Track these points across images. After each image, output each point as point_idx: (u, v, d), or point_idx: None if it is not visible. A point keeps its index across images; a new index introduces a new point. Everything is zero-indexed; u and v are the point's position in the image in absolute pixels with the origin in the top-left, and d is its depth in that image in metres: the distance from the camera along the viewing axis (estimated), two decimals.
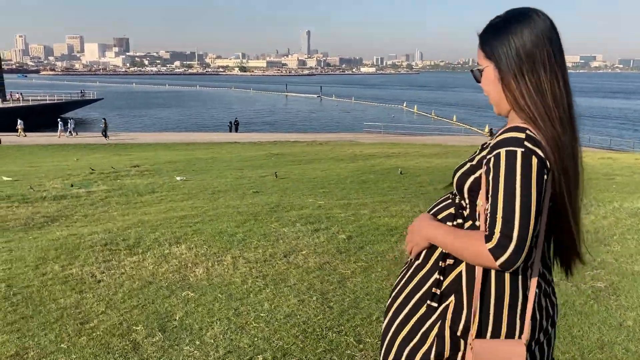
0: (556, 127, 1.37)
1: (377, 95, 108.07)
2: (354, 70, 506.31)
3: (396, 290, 1.60)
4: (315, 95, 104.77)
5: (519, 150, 1.33)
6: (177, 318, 3.60)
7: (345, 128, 51.97)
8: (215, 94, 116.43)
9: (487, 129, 46.68)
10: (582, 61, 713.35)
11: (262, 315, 3.63)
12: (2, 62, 71.19)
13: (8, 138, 35.49)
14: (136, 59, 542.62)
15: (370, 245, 5.41)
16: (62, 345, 3.19)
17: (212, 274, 4.58)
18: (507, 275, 1.42)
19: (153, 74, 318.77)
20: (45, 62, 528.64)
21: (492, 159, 1.36)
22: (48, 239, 6.06)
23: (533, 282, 1.43)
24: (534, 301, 1.44)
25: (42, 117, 52.15)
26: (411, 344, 1.50)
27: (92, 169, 15.55)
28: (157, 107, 79.77)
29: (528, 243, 1.31)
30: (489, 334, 1.42)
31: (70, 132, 39.40)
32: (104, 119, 39.91)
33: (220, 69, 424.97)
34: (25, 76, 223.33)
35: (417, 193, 9.61)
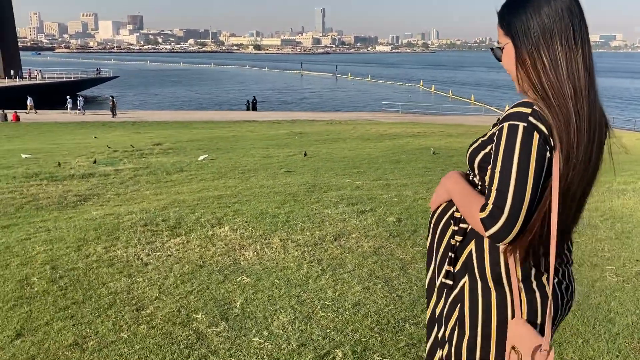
0: (568, 106, 1.32)
1: (393, 75, 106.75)
2: (369, 48, 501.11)
3: (430, 274, 1.62)
4: (331, 74, 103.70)
5: (521, 125, 1.31)
6: (238, 305, 3.38)
7: (362, 107, 51.37)
8: (229, 72, 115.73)
9: (507, 108, 45.79)
10: (602, 40, 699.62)
11: (327, 303, 3.40)
12: (17, 40, 71.24)
13: (26, 115, 35.54)
14: (150, 36, 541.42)
15: (423, 228, 5.14)
16: (122, 335, 2.99)
17: (263, 257, 4.36)
18: (534, 265, 1.41)
19: (167, 52, 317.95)
20: (59, 39, 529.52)
21: (497, 132, 1.36)
22: (85, 218, 5.88)
23: (552, 263, 1.39)
24: (554, 284, 1.42)
25: (59, 95, 52.16)
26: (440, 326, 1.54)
27: (109, 147, 15.42)
28: (172, 85, 79.42)
29: (521, 218, 1.29)
30: (524, 315, 1.40)
31: (79, 109, 39.23)
32: (112, 96, 39.63)
33: (234, 47, 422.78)
34: (39, 53, 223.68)
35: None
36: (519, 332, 1.38)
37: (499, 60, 1.48)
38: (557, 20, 1.34)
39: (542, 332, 1.39)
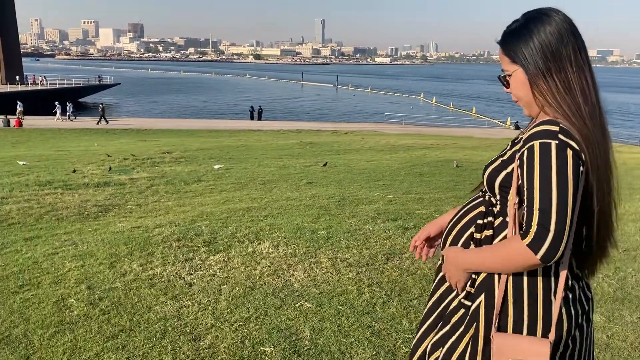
0: (587, 123, 1.34)
1: (393, 86, 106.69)
2: (368, 60, 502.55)
3: (437, 297, 1.60)
4: (331, 85, 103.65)
5: (553, 142, 1.31)
6: (307, 336, 3.03)
7: (364, 118, 51.16)
8: (230, 81, 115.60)
9: (509, 122, 45.83)
10: (600, 55, 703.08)
11: (407, 336, 3.05)
12: (20, 46, 71.02)
13: (35, 121, 35.18)
14: (150, 45, 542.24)
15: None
16: None
17: (316, 278, 4.01)
18: (537, 271, 1.41)
19: (167, 60, 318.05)
20: (60, 46, 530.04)
21: (526, 152, 1.34)
22: (111, 231, 5.53)
23: (562, 278, 1.40)
24: (562, 297, 1.40)
25: (60, 101, 51.81)
26: (447, 345, 1.51)
27: (108, 155, 15.09)
28: (173, 94, 79.16)
29: (566, 235, 1.28)
30: (510, 329, 1.41)
31: (69, 116, 38.73)
32: (102, 103, 39.05)
33: (235, 57, 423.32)
34: (38, 60, 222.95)
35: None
36: (521, 346, 1.38)
37: (506, 87, 1.49)
38: (564, 43, 1.38)
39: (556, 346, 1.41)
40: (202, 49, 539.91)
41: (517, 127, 41.04)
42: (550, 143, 1.31)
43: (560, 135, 1.32)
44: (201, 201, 7.63)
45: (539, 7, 1.45)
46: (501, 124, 46.71)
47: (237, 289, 3.77)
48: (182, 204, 7.43)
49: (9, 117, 33.47)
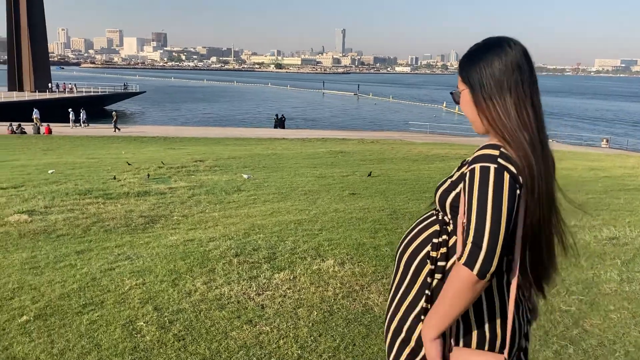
0: (525, 148, 1.42)
1: (415, 95, 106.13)
2: (388, 69, 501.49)
3: (393, 312, 1.61)
4: (352, 94, 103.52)
5: (492, 166, 1.39)
6: None
7: (388, 127, 50.82)
8: (252, 90, 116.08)
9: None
10: (623, 65, 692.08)
11: None
12: (48, 55, 72.20)
13: (59, 129, 35.54)
14: (173, 53, 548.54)
15: (566, 270, 4.47)
16: None
17: None
18: (488, 289, 1.48)
19: (190, 69, 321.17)
20: (85, 55, 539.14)
21: (468, 174, 1.42)
22: (164, 244, 5.31)
23: (512, 297, 1.46)
24: (514, 315, 1.47)
25: (87, 109, 52.45)
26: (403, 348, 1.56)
27: (129, 163, 15.03)
28: (196, 102, 79.70)
29: (498, 251, 1.36)
30: (464, 344, 1.47)
31: (82, 122, 38.86)
32: (115, 111, 39.03)
33: (256, 66, 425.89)
34: (62, 68, 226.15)
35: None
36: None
37: (457, 103, 1.59)
38: (508, 74, 1.46)
39: None
40: (224, 58, 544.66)
41: None
42: (490, 167, 1.39)
43: (499, 160, 1.40)
44: (247, 212, 7.39)
45: (499, 36, 1.54)
46: None
47: (315, 313, 3.50)
48: (229, 215, 7.20)
49: (39, 124, 33.84)
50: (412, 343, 1.52)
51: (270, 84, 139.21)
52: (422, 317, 1.50)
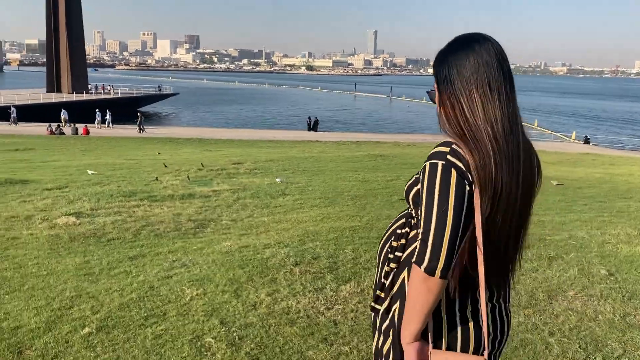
0: (486, 146, 1.39)
1: None
2: (421, 71, 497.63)
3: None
4: (385, 96, 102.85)
5: (440, 163, 1.38)
6: None
7: (422, 129, 50.20)
8: (283, 92, 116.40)
9: (574, 136, 43.88)
10: None
11: None
12: (86, 57, 73.69)
13: (91, 129, 36.09)
14: (206, 55, 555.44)
15: None
16: None
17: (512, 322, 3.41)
18: (461, 288, 1.45)
19: (222, 71, 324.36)
20: (120, 57, 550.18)
21: (421, 171, 1.43)
22: (218, 251, 5.11)
23: (482, 296, 1.43)
24: (490, 315, 1.47)
25: (121, 110, 53.27)
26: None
27: (165, 165, 14.96)
28: (229, 104, 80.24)
29: (444, 250, 1.34)
30: (444, 346, 1.45)
31: (108, 123, 39.23)
32: (139, 112, 39.15)
33: (287, 68, 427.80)
34: (97, 70, 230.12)
35: (611, 209, 8.10)
36: None
37: (434, 102, 1.57)
38: (474, 72, 1.44)
39: None
40: (255, 60, 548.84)
41: (586, 141, 39.16)
42: (438, 163, 1.38)
43: (448, 156, 1.39)
44: (297, 217, 7.16)
45: (470, 33, 1.51)
46: (565, 137, 44.78)
47: None
48: (279, 220, 6.97)
49: (77, 125, 34.42)
50: (376, 334, 1.57)
51: (300, 86, 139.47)
52: (372, 303, 1.56)
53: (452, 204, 1.35)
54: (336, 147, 27.99)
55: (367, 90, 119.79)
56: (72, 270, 4.46)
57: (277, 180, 11.45)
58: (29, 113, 42.30)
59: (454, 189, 1.36)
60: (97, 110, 39.45)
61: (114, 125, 39.71)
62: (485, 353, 1.44)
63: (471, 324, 1.45)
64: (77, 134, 33.44)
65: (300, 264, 4.58)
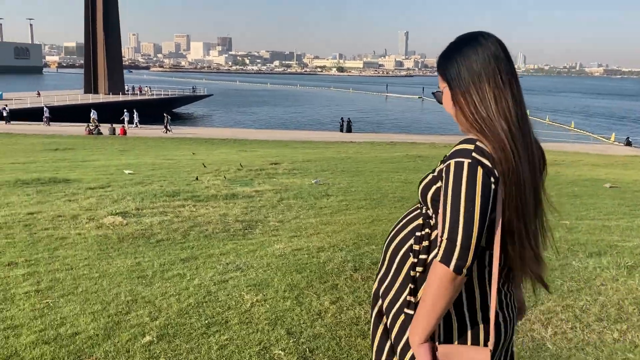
0: (502, 138, 1.40)
1: None
2: None
3: (376, 303, 1.62)
4: (416, 97, 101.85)
5: (466, 161, 1.38)
6: None
7: (455, 130, 49.24)
8: (315, 94, 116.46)
9: (613, 137, 42.54)
10: None
11: None
12: (122, 60, 74.97)
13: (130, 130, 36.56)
14: (238, 57, 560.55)
15: None
16: None
17: (567, 336, 3.12)
18: (469, 284, 1.46)
19: (254, 73, 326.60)
20: (154, 59, 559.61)
21: (444, 169, 1.42)
22: (271, 254, 4.90)
23: (493, 291, 1.44)
24: (497, 309, 1.46)
25: (156, 110, 53.93)
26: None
27: (204, 165, 14.87)
28: (261, 105, 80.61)
29: (473, 246, 1.35)
30: (455, 340, 1.45)
31: (136, 123, 39.48)
32: (166, 114, 39.10)
33: (318, 69, 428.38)
34: (131, 72, 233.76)
35: None
36: (469, 355, 1.42)
37: (440, 103, 1.58)
38: (485, 65, 1.45)
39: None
40: (286, 62, 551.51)
41: (628, 143, 37.87)
42: (464, 162, 1.37)
43: (474, 154, 1.38)
44: (345, 220, 6.91)
45: (472, 31, 1.53)
46: (603, 139, 43.42)
47: None
48: (327, 222, 6.74)
49: (114, 125, 34.92)
50: (392, 337, 1.53)
51: (332, 88, 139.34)
52: (405, 310, 1.50)
53: (479, 203, 1.35)
54: (371, 148, 27.69)
55: (398, 92, 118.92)
56: (124, 273, 4.31)
57: (314, 181, 11.19)
58: (66, 113, 43.19)
59: (481, 187, 1.36)
60: (125, 110, 39.79)
61: (141, 126, 40.04)
62: (490, 344, 1.43)
63: (479, 316, 1.45)
64: (114, 134, 33.91)
65: (360, 269, 4.34)
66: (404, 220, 1.63)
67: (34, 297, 3.68)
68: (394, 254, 1.58)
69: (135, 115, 39.64)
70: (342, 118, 46.11)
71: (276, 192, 9.35)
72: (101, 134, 33.86)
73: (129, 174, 12.97)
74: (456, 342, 1.45)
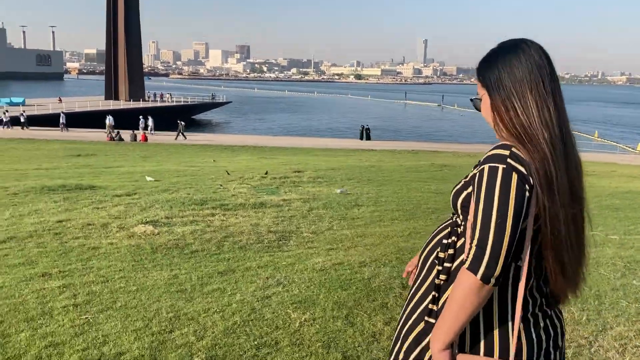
0: (542, 147, 1.37)
1: None
2: (472, 79, 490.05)
3: (403, 312, 1.59)
4: (436, 104, 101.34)
5: (501, 167, 1.36)
6: None
7: (477, 139, 48.85)
8: (333, 101, 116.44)
9: (639, 147, 41.77)
10: None
11: None
12: (142, 67, 75.66)
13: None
14: (256, 65, 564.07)
15: None
16: None
17: None
18: (493, 295, 1.41)
19: (271, 80, 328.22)
20: (173, 66, 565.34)
21: (477, 174, 1.40)
22: (312, 268, 4.70)
23: (519, 303, 1.40)
24: (521, 321, 1.41)
25: (175, 117, 54.17)
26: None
27: (228, 172, 14.74)
28: (279, 112, 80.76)
29: (503, 255, 1.31)
30: (482, 351, 1.41)
31: (150, 130, 39.38)
32: (179, 121, 39.13)
33: (335, 77, 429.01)
34: (150, 79, 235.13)
35: None
36: None
37: (478, 110, 1.56)
38: (527, 73, 1.43)
39: None
40: (304, 70, 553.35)
41: None
42: (498, 167, 1.35)
43: (509, 160, 1.36)
44: (382, 232, 6.70)
45: (514, 38, 1.51)
46: (630, 149, 42.65)
47: None
48: (362, 234, 6.53)
49: (135, 132, 35.12)
50: (405, 345, 1.50)
51: (350, 95, 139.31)
52: (426, 317, 1.48)
53: (512, 209, 1.32)
54: (392, 156, 27.45)
55: (417, 99, 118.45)
56: (162, 286, 4.14)
57: (338, 191, 10.93)
58: (87, 119, 43.58)
59: (514, 193, 1.33)
60: (140, 117, 39.89)
61: (160, 132, 40.10)
62: (511, 357, 1.39)
63: (510, 331, 1.40)
64: (135, 140, 34.09)
65: (408, 286, 4.12)
66: (438, 229, 1.62)
67: (72, 311, 3.52)
68: (424, 262, 1.58)
69: (150, 121, 39.73)
70: (362, 126, 45.90)
71: (304, 202, 9.16)
72: (122, 140, 34.07)
73: (150, 180, 12.90)
74: (468, 351, 1.42)
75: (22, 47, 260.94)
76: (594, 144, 45.58)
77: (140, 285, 4.17)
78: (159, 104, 60.19)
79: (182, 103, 62.48)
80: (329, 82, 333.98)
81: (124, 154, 25.55)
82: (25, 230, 6.32)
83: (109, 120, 39.04)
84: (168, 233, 6.19)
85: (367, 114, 77.65)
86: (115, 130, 35.30)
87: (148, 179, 13.27)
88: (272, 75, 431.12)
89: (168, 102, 62.57)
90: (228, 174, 14.73)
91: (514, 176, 1.34)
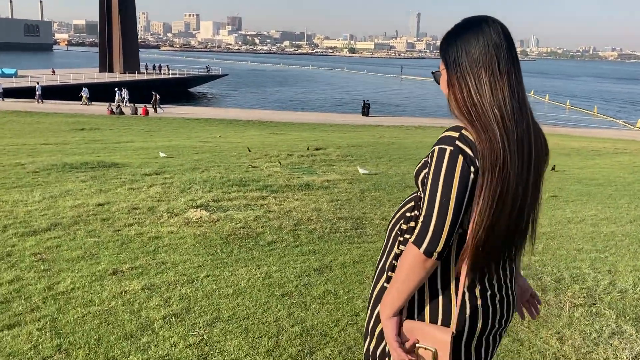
0: (493, 128, 1.37)
1: None
2: None
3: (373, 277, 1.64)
4: (432, 79, 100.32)
5: (449, 149, 1.38)
6: None
7: None
8: (328, 75, 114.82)
9: (639, 124, 41.43)
10: None
11: None
12: (137, 38, 73.78)
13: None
14: (248, 37, 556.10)
15: None
16: None
17: None
18: (439, 267, 1.46)
19: (264, 53, 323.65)
20: (164, 38, 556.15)
21: (430, 155, 1.43)
22: None
23: (462, 273, 1.43)
24: (468, 293, 1.45)
25: (175, 90, 53.09)
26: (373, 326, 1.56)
27: (249, 149, 14.12)
28: (276, 85, 79.47)
29: (445, 235, 1.35)
30: (427, 318, 1.46)
31: (126, 102, 37.35)
32: (154, 92, 37.83)
33: (329, 50, 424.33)
34: (140, 50, 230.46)
35: None
36: (431, 333, 1.41)
37: (438, 83, 1.57)
38: (483, 53, 1.42)
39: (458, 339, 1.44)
40: (297, 42, 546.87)
41: None
42: (446, 149, 1.37)
43: (457, 142, 1.38)
44: None
45: (478, 15, 1.49)
46: (629, 125, 42.29)
47: None
48: None
49: (136, 105, 34.21)
50: (376, 310, 1.53)
51: (345, 69, 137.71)
52: (385, 284, 1.52)
53: (456, 191, 1.35)
54: (404, 132, 26.89)
55: (412, 74, 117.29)
56: (261, 288, 3.58)
57: (361, 171, 10.21)
58: (93, 92, 42.30)
59: (459, 176, 1.35)
60: (115, 89, 38.21)
61: (128, 104, 37.81)
62: (453, 326, 1.42)
63: (455, 298, 1.44)
64: (136, 114, 33.21)
65: None
66: (404, 202, 1.63)
67: (176, 325, 2.96)
68: (389, 234, 1.61)
69: (125, 93, 38.08)
70: (364, 101, 45.09)
71: (349, 183, 8.60)
72: (123, 113, 33.18)
73: (164, 157, 12.26)
74: (416, 318, 1.46)
75: (10, 17, 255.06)
76: (593, 119, 45.20)
77: (235, 286, 3.61)
78: (154, 77, 58.90)
79: (177, 76, 61.16)
80: (323, 55, 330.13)
81: (128, 129, 24.74)
82: (68, 216, 5.73)
83: (85, 92, 37.39)
84: (228, 219, 5.61)
85: (364, 88, 76.64)
86: (116, 104, 34.29)
87: (161, 154, 12.64)
88: (265, 48, 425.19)
89: (166, 74, 61.25)
90: (250, 151, 14.11)
91: (460, 159, 1.35)
